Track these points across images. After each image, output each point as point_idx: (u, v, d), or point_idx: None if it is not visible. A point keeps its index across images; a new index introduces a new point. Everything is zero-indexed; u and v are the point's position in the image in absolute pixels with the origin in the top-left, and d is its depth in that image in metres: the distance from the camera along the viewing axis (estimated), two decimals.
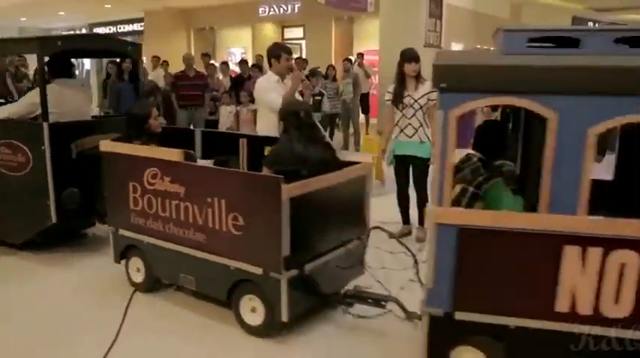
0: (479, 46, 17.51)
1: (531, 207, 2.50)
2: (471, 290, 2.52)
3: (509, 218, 2.41)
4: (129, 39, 19.35)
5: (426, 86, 4.71)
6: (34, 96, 4.19)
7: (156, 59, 11.72)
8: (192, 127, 8.35)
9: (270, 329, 3.34)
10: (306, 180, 3.24)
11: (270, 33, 20.06)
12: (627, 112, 2.16)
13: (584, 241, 2.30)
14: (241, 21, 19.74)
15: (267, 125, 4.43)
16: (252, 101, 4.62)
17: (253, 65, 10.78)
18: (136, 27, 19.66)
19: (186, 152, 3.54)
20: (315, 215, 3.35)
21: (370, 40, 17.87)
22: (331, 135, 10.47)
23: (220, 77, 10.68)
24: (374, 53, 14.68)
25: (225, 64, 11.50)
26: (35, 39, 4.17)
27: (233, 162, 4.22)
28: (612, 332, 2.34)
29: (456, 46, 16.12)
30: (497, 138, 3.23)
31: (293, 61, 4.88)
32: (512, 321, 2.51)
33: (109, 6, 17.51)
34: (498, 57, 2.41)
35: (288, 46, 5.12)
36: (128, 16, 19.29)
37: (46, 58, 4.32)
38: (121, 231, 4.00)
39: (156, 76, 11.05)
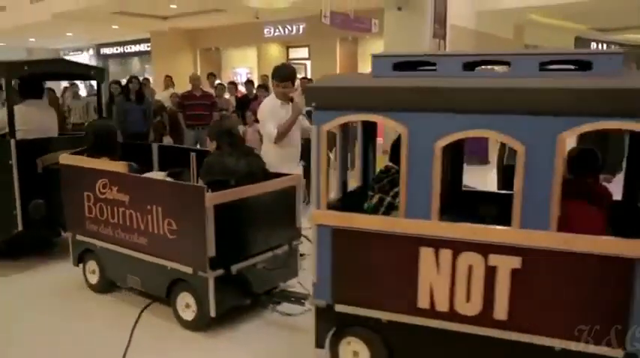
0: (482, 67, 18.03)
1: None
2: (346, 284, 2.97)
3: (371, 221, 2.87)
4: (136, 59, 20.28)
5: None
6: (2, 115, 4.79)
7: (168, 79, 12.09)
8: (199, 146, 8.80)
9: (201, 323, 3.80)
10: (230, 189, 3.73)
11: (275, 53, 20.81)
12: (468, 128, 2.60)
13: (437, 243, 2.72)
14: (247, 41, 20.54)
15: (268, 149, 4.69)
16: (258, 121, 4.97)
17: (260, 86, 11.13)
18: (143, 47, 20.62)
19: (129, 164, 4.07)
20: (241, 221, 3.82)
21: None
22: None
23: (227, 96, 11.13)
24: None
25: (232, 83, 11.95)
26: (3, 64, 4.79)
27: (185, 174, 4.72)
28: (467, 329, 2.73)
29: None
30: None
31: (290, 88, 4.80)
32: (383, 315, 2.93)
33: (116, 27, 18.48)
34: (367, 79, 2.90)
35: (293, 66, 5.15)
36: (135, 36, 20.25)
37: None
38: (78, 237, 4.53)
39: (165, 96, 11.40)
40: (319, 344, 3.14)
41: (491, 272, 2.63)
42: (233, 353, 3.60)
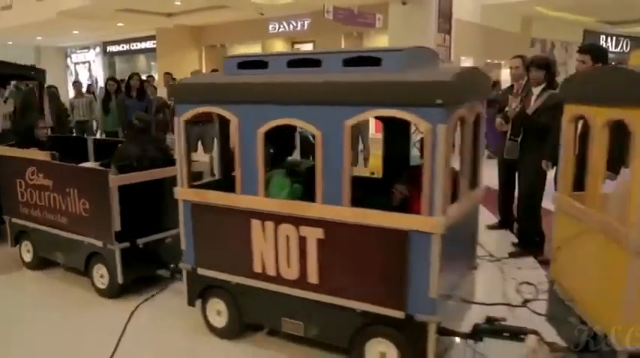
0: (489, 61, 18.16)
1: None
2: (204, 251, 3.56)
3: (217, 196, 3.43)
4: (142, 56, 21.13)
5: None
6: None
7: (168, 76, 12.42)
8: (200, 142, 9.35)
9: (112, 291, 4.40)
10: (134, 173, 4.32)
11: (280, 49, 21.42)
12: (282, 116, 3.12)
13: (263, 216, 3.27)
14: (252, 38, 21.22)
15: None
16: None
17: None
18: (149, 44, 21.51)
19: (52, 153, 4.72)
20: (145, 200, 4.39)
21: None
22: None
23: None
24: None
25: None
26: None
27: None
28: (291, 291, 3.26)
29: (465, 61, 16.87)
30: (286, 140, 4.20)
31: None
32: (232, 278, 3.49)
33: (121, 24, 19.37)
34: (217, 77, 3.45)
35: None
36: (141, 34, 21.15)
37: None
38: (14, 220, 5.21)
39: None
40: (190, 303, 3.72)
41: (303, 242, 3.15)
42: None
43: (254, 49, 21.36)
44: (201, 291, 3.71)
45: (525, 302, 3.37)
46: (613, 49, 21.28)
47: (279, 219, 3.22)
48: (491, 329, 3.21)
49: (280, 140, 3.97)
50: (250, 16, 19.72)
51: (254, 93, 3.19)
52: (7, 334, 3.98)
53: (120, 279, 4.29)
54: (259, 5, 17.91)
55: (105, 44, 23.32)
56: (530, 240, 5.40)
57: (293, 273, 3.24)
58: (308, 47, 21.57)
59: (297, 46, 21.86)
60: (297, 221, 3.15)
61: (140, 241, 4.36)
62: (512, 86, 5.86)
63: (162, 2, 17.22)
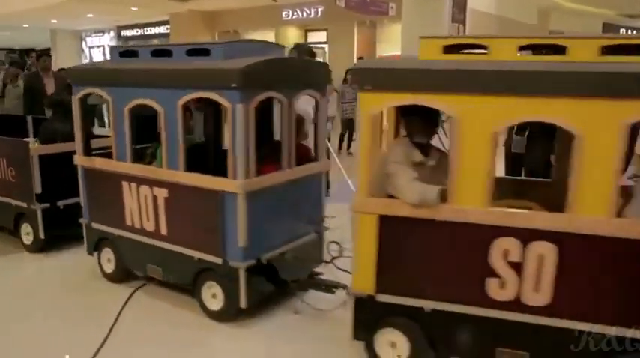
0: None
1: None
2: (95, 208, 4.55)
3: (99, 162, 4.39)
4: (156, 41, 22.43)
5: None
6: None
7: None
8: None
9: (35, 248, 5.41)
10: (52, 144, 5.31)
11: (293, 36, 22.35)
12: (141, 97, 4.04)
13: (129, 179, 4.21)
14: (265, 24, 22.22)
15: None
16: None
17: None
18: (162, 30, 22.82)
19: None
20: (65, 168, 5.30)
21: (393, 45, 19.27)
22: (350, 139, 11.53)
23: None
24: (397, 58, 16.95)
25: None
26: None
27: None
28: (151, 242, 4.19)
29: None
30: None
31: None
32: (113, 231, 4.45)
33: (135, 9, 20.71)
34: (103, 63, 4.42)
35: (310, 47, 5.91)
36: (154, 19, 22.45)
37: None
38: None
39: None
40: (89, 252, 4.74)
41: (155, 200, 4.08)
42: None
43: (267, 35, 22.32)
44: (96, 242, 4.68)
45: (332, 259, 4.23)
46: None
47: (139, 181, 4.16)
48: (311, 282, 4.10)
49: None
50: (264, 3, 20.69)
51: (121, 78, 4.13)
52: None
53: (42, 235, 5.28)
54: None
55: (119, 28, 24.80)
56: None
57: (151, 226, 4.18)
58: (321, 35, 22.44)
59: (309, 33, 22.76)
60: (151, 183, 4.08)
61: (60, 203, 5.35)
62: None
63: None
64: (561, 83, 2.55)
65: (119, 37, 24.74)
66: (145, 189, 4.15)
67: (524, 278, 2.76)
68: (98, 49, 26.40)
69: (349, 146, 11.61)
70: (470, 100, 2.71)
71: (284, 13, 21.85)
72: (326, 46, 21.93)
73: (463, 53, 2.99)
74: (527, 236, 2.72)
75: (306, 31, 22.52)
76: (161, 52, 4.11)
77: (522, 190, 3.74)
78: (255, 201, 3.73)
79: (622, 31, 20.44)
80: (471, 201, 2.79)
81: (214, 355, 3.68)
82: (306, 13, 21.76)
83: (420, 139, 3.15)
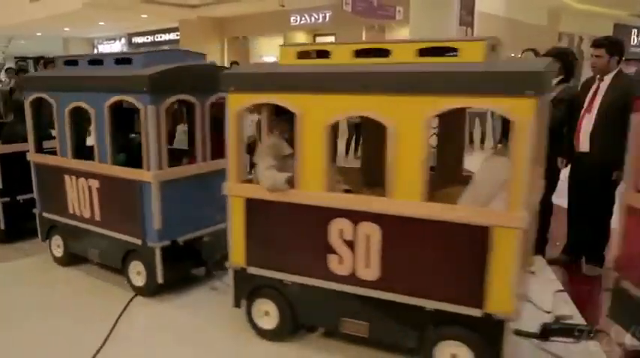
0: (512, 55, 19.00)
1: None
2: (45, 199, 5.34)
3: (50, 159, 5.20)
4: (166, 47, 23.48)
5: None
6: None
7: None
8: None
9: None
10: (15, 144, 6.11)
11: (301, 41, 23.16)
12: (79, 101, 4.81)
13: (70, 172, 4.99)
14: (273, 30, 23.07)
15: None
16: None
17: None
18: (172, 36, 23.89)
19: None
20: (25, 166, 6.12)
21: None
22: (357, 144, 11.73)
23: None
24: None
25: None
26: None
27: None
28: (89, 227, 4.97)
29: None
30: (127, 121, 5.83)
31: None
32: (60, 219, 5.24)
33: (145, 16, 21.82)
34: (50, 71, 5.21)
35: None
36: (164, 25, 23.55)
37: None
38: None
39: None
40: (43, 239, 5.51)
41: (90, 190, 4.85)
42: None
43: (276, 41, 23.16)
44: (47, 230, 5.47)
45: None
46: None
47: (78, 174, 4.94)
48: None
49: (121, 120, 5.66)
50: (272, 8, 21.47)
51: (62, 84, 4.94)
52: None
53: (2, 226, 6.10)
54: None
55: (130, 35, 26.02)
56: (542, 239, 5.45)
57: (88, 213, 4.95)
58: (329, 40, 23.15)
59: (318, 38, 23.51)
60: (86, 175, 4.85)
61: (20, 198, 6.13)
62: None
63: None
64: (375, 82, 3.18)
65: (130, 43, 25.98)
66: (82, 181, 4.92)
67: (357, 255, 3.40)
68: None
69: (357, 149, 12.00)
70: (307, 99, 3.38)
71: (292, 19, 22.62)
72: None
73: (313, 58, 3.64)
74: (356, 217, 3.36)
75: (315, 35, 23.26)
76: (95, 61, 4.90)
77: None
78: (168, 189, 4.46)
79: (634, 31, 20.65)
80: (312, 186, 3.46)
81: (132, 323, 4.36)
82: (315, 18, 22.48)
83: (286, 135, 3.83)
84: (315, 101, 3.36)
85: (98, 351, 3.84)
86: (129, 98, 4.40)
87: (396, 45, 3.27)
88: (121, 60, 4.68)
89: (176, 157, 5.12)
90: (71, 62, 5.12)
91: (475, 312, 3.07)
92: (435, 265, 3.16)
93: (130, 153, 5.06)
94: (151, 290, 4.67)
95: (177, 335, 4.06)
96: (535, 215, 3.57)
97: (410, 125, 3.06)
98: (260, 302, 3.91)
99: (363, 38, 22.08)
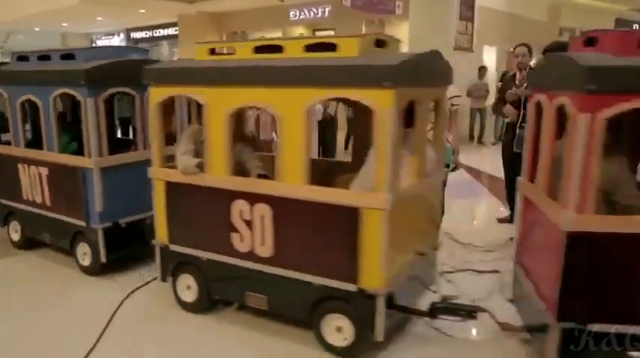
0: (512, 50, 19.26)
1: None
2: (3, 186, 5.83)
3: (5, 149, 5.69)
4: (165, 43, 24.02)
5: (449, 91, 5.02)
6: None
7: None
8: None
9: None
10: None
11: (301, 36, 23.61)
12: (27, 94, 5.31)
13: (22, 161, 5.50)
14: (272, 24, 23.52)
15: None
16: None
17: None
18: (171, 31, 24.41)
19: None
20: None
21: (402, 43, 20.20)
22: None
23: None
24: None
25: None
26: None
27: None
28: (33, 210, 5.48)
29: (489, 49, 18.13)
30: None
31: None
32: (16, 205, 5.76)
33: (143, 11, 22.36)
34: (5, 67, 5.73)
35: None
36: (163, 20, 24.08)
37: None
38: None
39: None
40: (1, 225, 6.03)
41: (40, 177, 5.35)
42: None
43: (275, 35, 23.65)
44: (5, 216, 5.99)
45: None
46: None
47: (30, 162, 5.44)
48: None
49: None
50: (271, 3, 21.97)
51: (13, 78, 5.45)
52: None
53: None
54: None
55: (129, 30, 26.61)
56: None
57: (39, 199, 5.46)
58: (329, 34, 23.58)
59: (317, 33, 23.91)
60: (37, 163, 5.36)
61: None
62: (514, 75, 6.39)
63: None
64: (263, 76, 3.62)
65: (128, 38, 26.54)
66: (33, 168, 5.43)
67: (254, 234, 3.86)
68: None
69: None
70: (211, 91, 3.84)
71: (291, 13, 23.03)
72: None
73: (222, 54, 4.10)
74: (252, 199, 3.81)
75: (314, 30, 23.65)
76: (44, 57, 5.39)
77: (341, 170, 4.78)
78: (109, 174, 4.96)
79: (635, 26, 20.79)
80: (216, 171, 3.92)
81: (76, 304, 4.83)
82: (314, 12, 22.89)
83: None
84: (217, 93, 3.83)
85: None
86: (70, 90, 4.89)
87: (287, 42, 3.72)
88: (66, 55, 5.18)
89: (125, 146, 5.62)
90: (22, 58, 5.62)
91: (351, 287, 3.51)
92: (317, 243, 3.61)
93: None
94: (96, 269, 5.17)
95: (111, 311, 4.51)
96: (424, 199, 3.98)
97: (293, 114, 3.50)
98: (183, 277, 4.38)
99: (363, 32, 22.52)
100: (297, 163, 3.54)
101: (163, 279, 4.50)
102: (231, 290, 4.15)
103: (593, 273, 2.93)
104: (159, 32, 25.29)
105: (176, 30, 23.89)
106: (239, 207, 3.86)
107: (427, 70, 3.76)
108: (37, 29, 24.67)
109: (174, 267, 4.40)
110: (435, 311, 3.82)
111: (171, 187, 4.20)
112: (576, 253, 2.87)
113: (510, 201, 6.39)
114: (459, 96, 5.68)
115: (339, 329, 3.66)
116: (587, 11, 19.77)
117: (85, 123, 4.82)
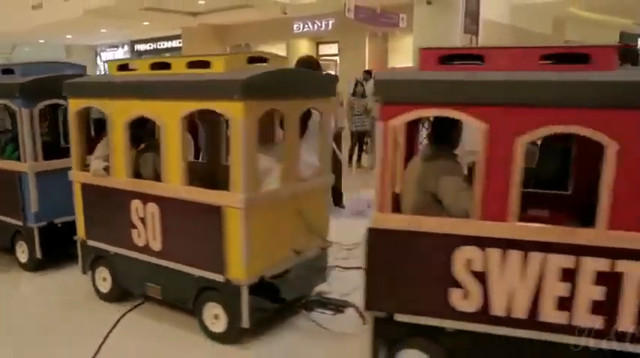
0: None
1: None
2: None
3: None
4: (168, 55, 25.03)
5: None
6: None
7: None
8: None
9: None
10: None
11: (305, 49, 24.30)
12: None
13: None
14: (276, 37, 24.36)
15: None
16: None
17: None
18: (175, 43, 25.48)
19: None
20: None
21: (406, 56, 20.56)
22: (360, 152, 12.50)
23: None
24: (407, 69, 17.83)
25: None
26: None
27: None
28: None
29: None
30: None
31: None
32: None
33: (146, 23, 23.40)
34: None
35: (313, 58, 6.28)
36: (167, 33, 25.13)
37: None
38: None
39: None
40: None
41: None
42: None
43: (279, 48, 24.38)
44: None
45: None
46: None
47: None
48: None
49: None
50: (274, 16, 22.73)
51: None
52: None
53: None
54: (282, 4, 20.86)
55: (133, 43, 27.77)
56: None
57: None
58: (333, 47, 24.27)
59: (321, 46, 24.67)
60: None
61: None
62: None
63: (187, 1, 20.58)
64: (149, 90, 4.30)
65: (133, 51, 27.71)
66: None
67: (147, 230, 4.50)
68: None
69: (359, 158, 12.60)
70: (111, 103, 4.52)
71: (295, 26, 23.78)
72: (337, 59, 23.66)
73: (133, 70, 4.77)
74: (145, 198, 4.47)
75: (318, 43, 24.41)
76: (7, 71, 6.11)
77: None
78: (45, 178, 5.65)
79: None
80: (118, 174, 4.58)
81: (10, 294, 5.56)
82: (317, 25, 23.58)
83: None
84: (116, 105, 4.51)
85: None
86: (7, 102, 5.62)
87: (174, 60, 4.39)
88: (7, 70, 5.95)
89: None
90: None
91: (220, 278, 4.12)
92: (194, 238, 4.24)
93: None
94: (33, 266, 5.85)
95: (45, 302, 5.22)
96: (300, 201, 4.54)
97: (171, 124, 4.15)
98: (99, 270, 5.04)
99: (367, 46, 23.15)
100: (176, 166, 4.18)
101: (84, 272, 5.17)
102: (134, 281, 4.79)
103: (390, 266, 3.31)
104: (163, 44, 26.37)
105: (180, 42, 24.88)
106: (135, 205, 4.51)
107: (292, 83, 4.35)
108: (42, 41, 25.92)
109: (92, 260, 5.05)
110: (309, 304, 4.38)
111: (86, 188, 4.89)
112: (374, 247, 3.32)
113: None
114: None
115: (216, 317, 4.26)
116: (591, 24, 20.16)
117: (21, 132, 5.53)
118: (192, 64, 4.23)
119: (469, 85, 2.99)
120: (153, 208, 4.40)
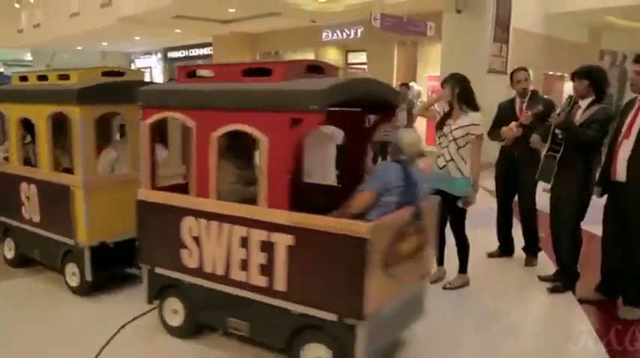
0: (551, 73, 19.36)
1: None
2: None
3: None
4: (200, 62, 26.71)
5: (468, 118, 5.15)
6: None
7: None
8: None
9: None
10: None
11: (334, 57, 25.01)
12: None
13: None
14: (305, 45, 25.02)
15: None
16: None
17: None
18: (206, 51, 26.78)
19: None
20: None
21: (435, 65, 20.06)
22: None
23: None
24: (438, 79, 16.34)
25: None
26: None
27: None
28: None
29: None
30: None
31: None
32: None
33: (179, 31, 24.86)
34: None
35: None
36: (198, 40, 26.58)
37: None
38: None
39: None
40: None
41: None
42: None
43: (308, 56, 24.87)
44: None
45: None
46: None
47: None
48: None
49: None
50: (304, 24, 23.16)
51: None
52: None
53: None
54: (311, 13, 21.86)
55: (166, 50, 29.48)
56: (573, 272, 5.51)
57: None
58: (362, 56, 25.08)
59: (350, 54, 25.52)
60: None
61: None
62: (512, 100, 6.37)
63: (218, 9, 21.32)
64: (25, 96, 5.51)
65: (165, 58, 29.31)
66: None
67: (32, 208, 5.53)
68: (146, 69, 31.46)
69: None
70: (7, 106, 5.78)
71: (324, 34, 24.14)
72: (366, 67, 24.47)
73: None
74: (29, 181, 5.50)
75: (347, 51, 25.16)
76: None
77: None
78: None
79: None
80: (14, 161, 5.90)
81: None
82: (346, 33, 23.90)
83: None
84: (10, 108, 5.70)
85: None
86: None
87: (50, 73, 5.51)
88: None
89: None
90: None
91: (70, 241, 5.27)
92: (54, 210, 5.35)
93: None
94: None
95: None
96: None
97: (39, 123, 5.30)
98: (7, 241, 6.27)
99: (395, 54, 23.75)
100: (44, 153, 5.34)
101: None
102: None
103: (149, 230, 4.45)
104: (194, 52, 27.77)
105: (211, 50, 26.24)
106: (24, 187, 5.71)
107: (124, 91, 4.93)
108: (80, 48, 28.03)
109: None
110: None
111: None
112: (141, 214, 4.44)
113: (501, 232, 6.49)
114: (476, 124, 5.25)
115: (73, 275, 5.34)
116: (629, 33, 19.45)
117: None
118: (60, 77, 5.36)
119: (184, 93, 4.06)
120: (33, 189, 5.50)
